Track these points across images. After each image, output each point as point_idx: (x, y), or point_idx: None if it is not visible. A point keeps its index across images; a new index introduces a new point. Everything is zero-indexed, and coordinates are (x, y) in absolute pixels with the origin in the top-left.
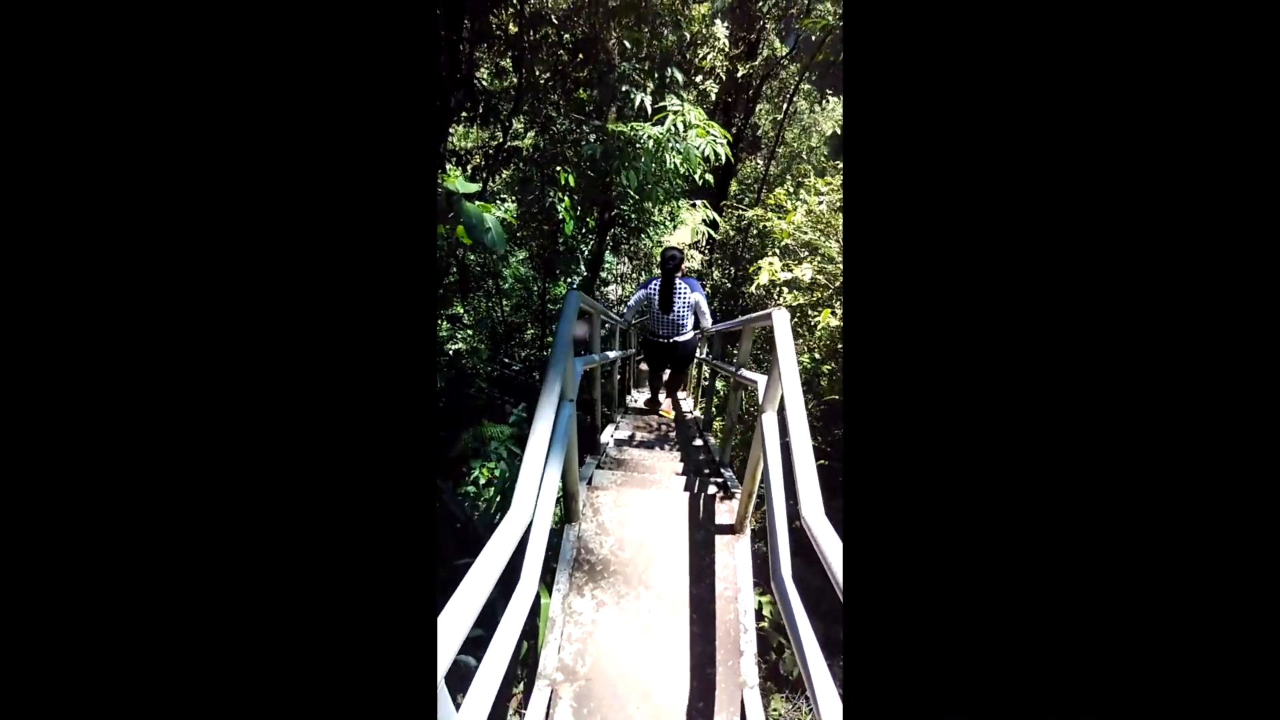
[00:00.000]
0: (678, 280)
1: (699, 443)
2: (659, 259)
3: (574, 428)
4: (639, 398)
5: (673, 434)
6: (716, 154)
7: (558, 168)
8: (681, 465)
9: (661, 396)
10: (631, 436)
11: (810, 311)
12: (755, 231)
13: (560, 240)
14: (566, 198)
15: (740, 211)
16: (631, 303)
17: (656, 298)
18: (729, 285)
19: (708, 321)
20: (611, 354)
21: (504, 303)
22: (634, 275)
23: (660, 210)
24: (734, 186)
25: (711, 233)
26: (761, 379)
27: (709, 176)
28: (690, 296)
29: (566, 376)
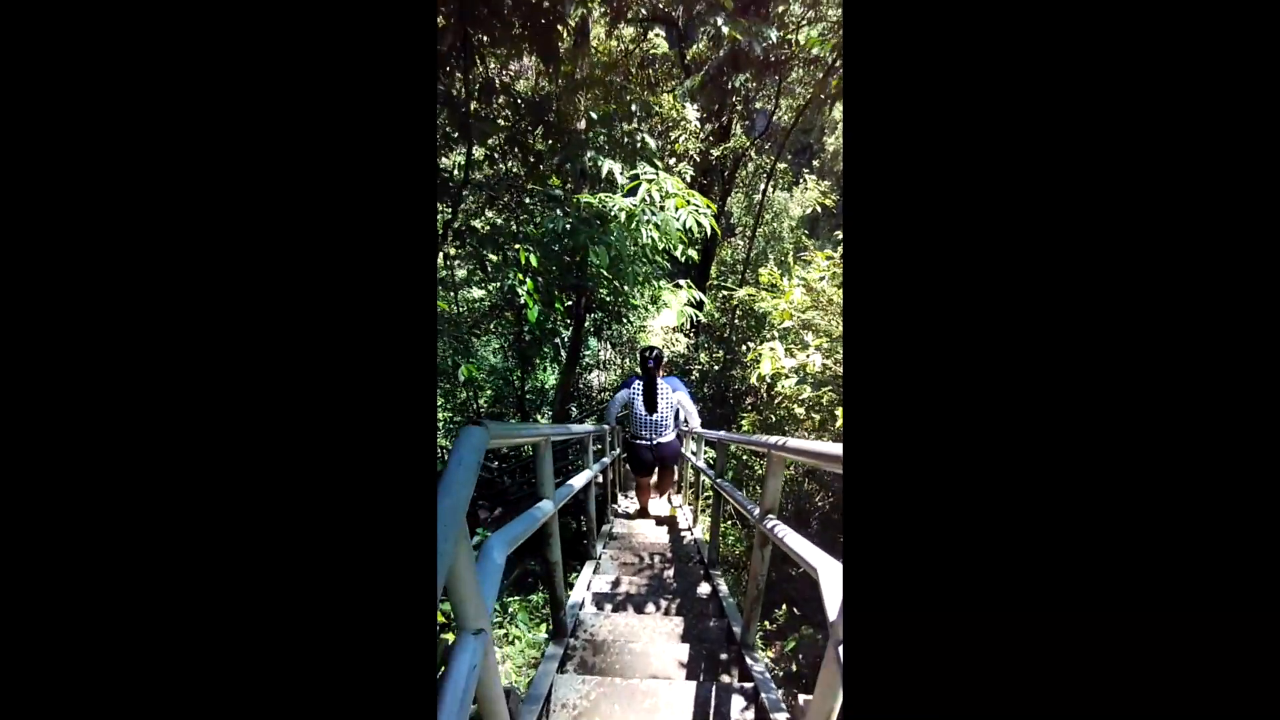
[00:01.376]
0: (659, 379)
1: (705, 590)
2: (638, 356)
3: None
4: (625, 504)
5: (669, 572)
6: (700, 225)
7: (517, 246)
8: (687, 649)
9: (651, 505)
10: (615, 584)
11: (823, 403)
12: (742, 313)
13: (526, 329)
14: (529, 280)
15: (728, 291)
16: (614, 405)
17: (639, 399)
18: (716, 369)
19: (695, 421)
20: (580, 480)
21: (479, 396)
22: (618, 361)
23: (639, 292)
24: (714, 270)
25: (696, 315)
26: (826, 565)
27: (692, 253)
28: (673, 397)
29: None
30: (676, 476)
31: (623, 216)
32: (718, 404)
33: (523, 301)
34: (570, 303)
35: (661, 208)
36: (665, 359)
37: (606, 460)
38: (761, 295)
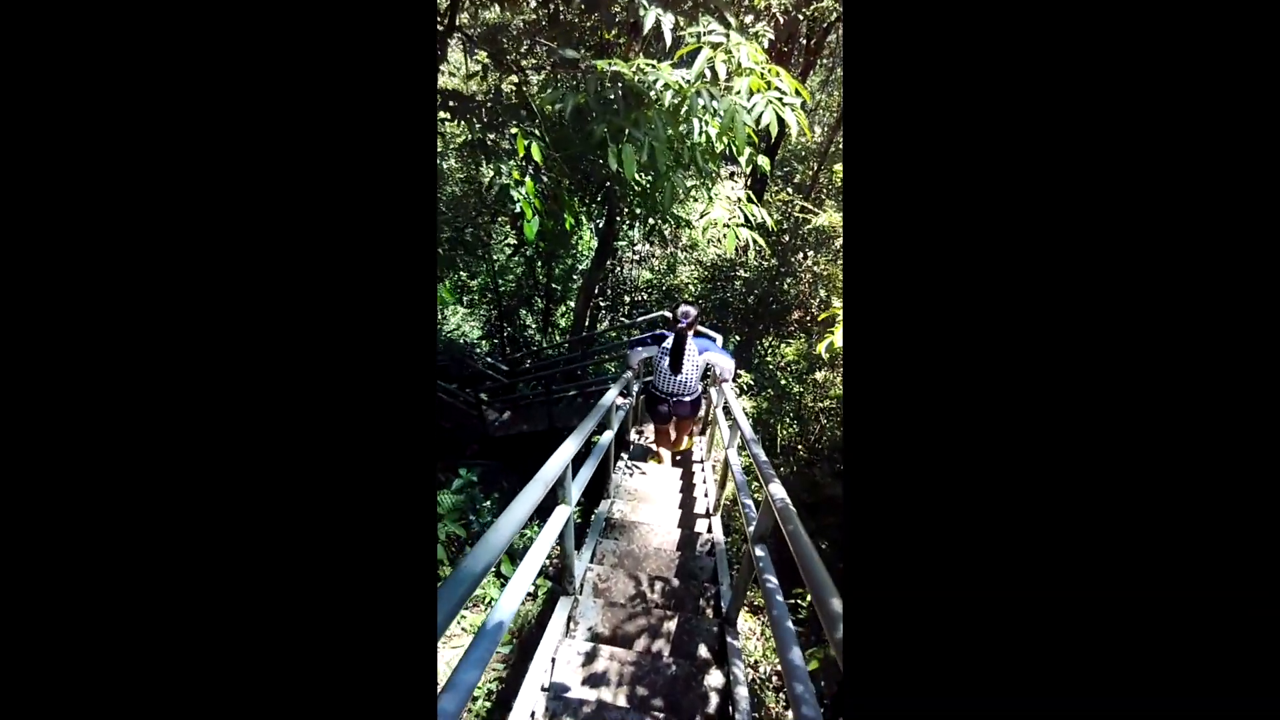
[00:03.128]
0: (689, 338)
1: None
2: (673, 315)
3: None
4: (647, 432)
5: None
6: (781, 121)
7: (513, 129)
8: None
9: (665, 457)
10: (590, 657)
11: None
12: (810, 227)
13: (524, 246)
14: (529, 179)
15: (800, 204)
16: (634, 355)
17: (666, 359)
18: (766, 282)
19: (728, 375)
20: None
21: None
22: (654, 258)
23: (681, 206)
24: (779, 155)
25: (752, 236)
26: None
27: (763, 161)
28: (700, 359)
29: None
30: (696, 425)
31: (667, 98)
32: (759, 318)
33: (518, 208)
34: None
35: (728, 88)
36: (698, 318)
37: (611, 436)
38: (814, 211)
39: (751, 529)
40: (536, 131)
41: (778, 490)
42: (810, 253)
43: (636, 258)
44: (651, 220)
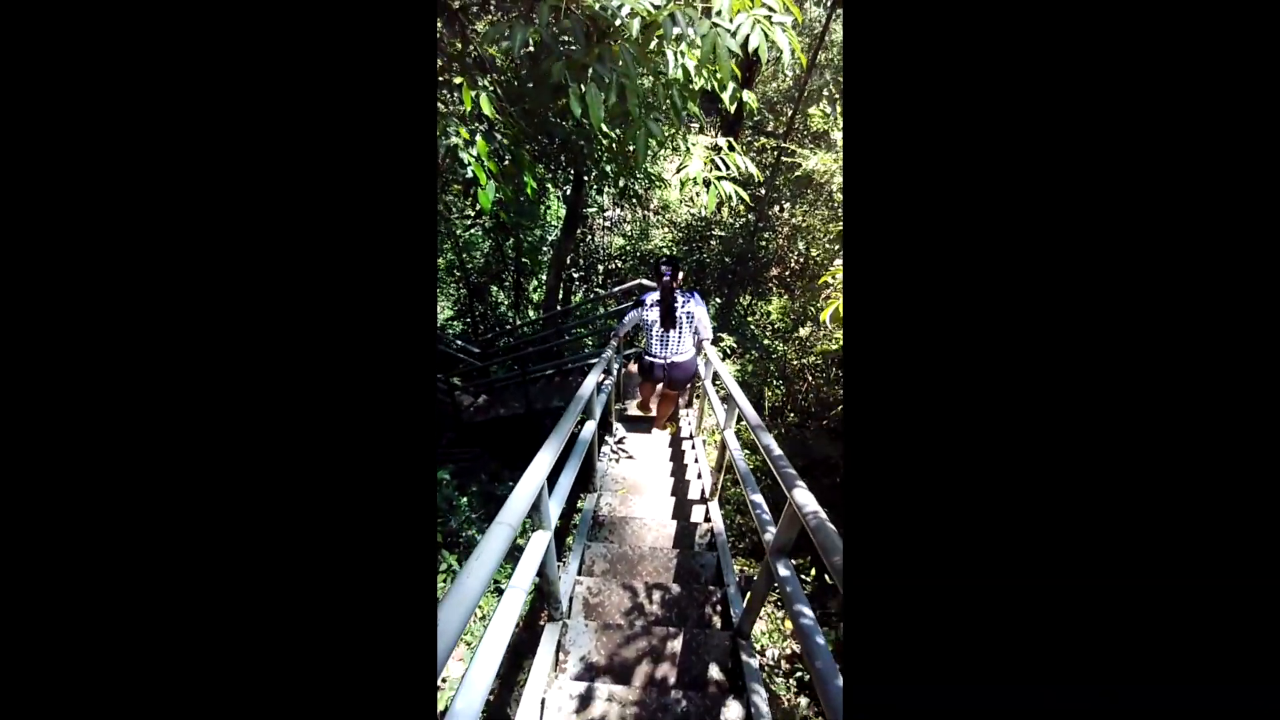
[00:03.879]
0: (676, 292)
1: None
2: (652, 268)
3: None
4: (630, 406)
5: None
6: (773, 45)
7: (458, 78)
8: None
9: (655, 431)
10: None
11: None
12: (784, 170)
13: (478, 214)
14: (479, 139)
15: (783, 148)
16: (622, 326)
17: (656, 313)
18: (743, 239)
19: (706, 333)
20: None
21: (467, 263)
22: (630, 220)
23: (655, 155)
24: (751, 104)
25: (733, 191)
26: None
27: (749, 96)
28: (691, 307)
29: None
30: (683, 395)
31: (634, 27)
32: (737, 277)
33: (470, 173)
34: (556, 164)
35: (706, 9)
36: (678, 271)
37: (594, 427)
38: (805, 154)
39: (769, 538)
40: (484, 82)
41: (807, 501)
42: (787, 205)
43: (608, 224)
44: (623, 182)
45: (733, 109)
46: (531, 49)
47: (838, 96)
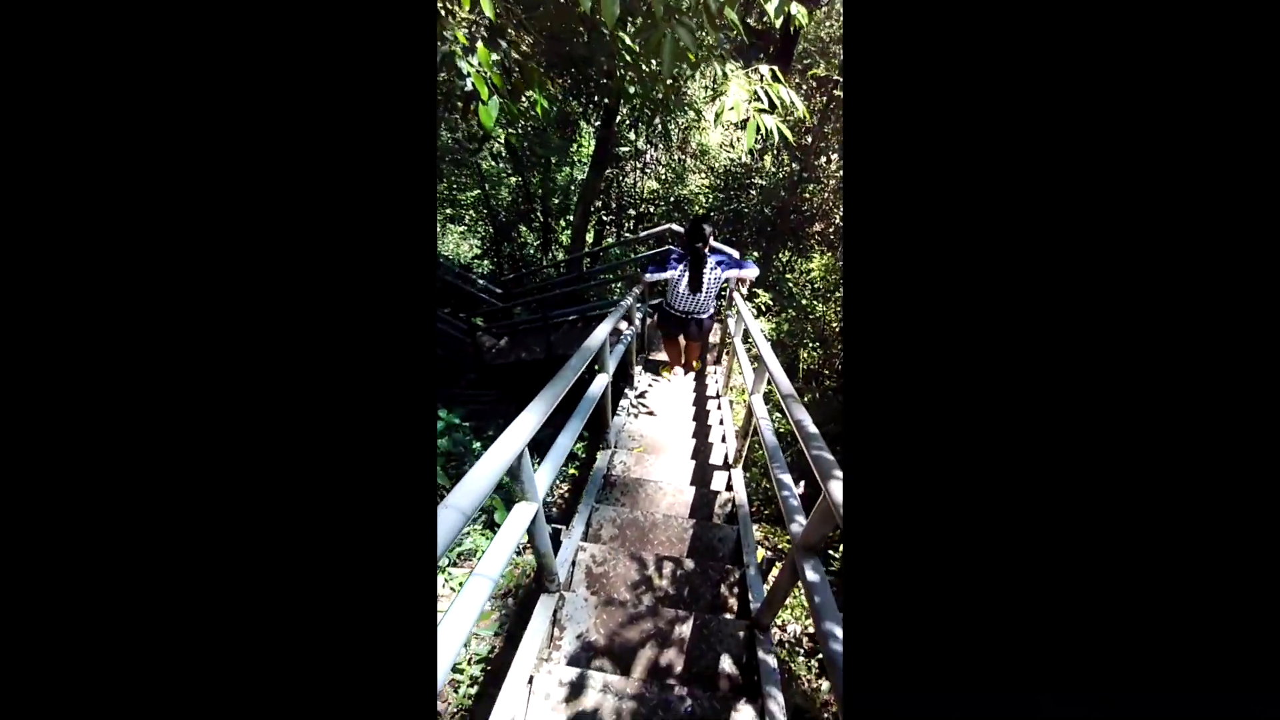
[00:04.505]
0: (708, 255)
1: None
2: (686, 231)
3: None
4: (654, 355)
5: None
6: None
7: None
8: None
9: (678, 371)
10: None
11: None
12: (835, 116)
13: (480, 137)
14: (481, 45)
15: (839, 91)
16: (649, 276)
17: (685, 279)
18: (785, 191)
19: (751, 274)
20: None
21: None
22: (665, 163)
23: (690, 83)
24: (801, 20)
25: (776, 128)
26: None
27: (798, 7)
28: (721, 274)
29: None
30: (712, 356)
31: None
32: (777, 231)
33: (470, 86)
34: (581, 94)
35: None
36: (712, 231)
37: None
38: None
39: (795, 528)
40: None
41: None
42: (834, 155)
43: (641, 165)
44: (657, 120)
45: (779, 29)
46: None
47: None
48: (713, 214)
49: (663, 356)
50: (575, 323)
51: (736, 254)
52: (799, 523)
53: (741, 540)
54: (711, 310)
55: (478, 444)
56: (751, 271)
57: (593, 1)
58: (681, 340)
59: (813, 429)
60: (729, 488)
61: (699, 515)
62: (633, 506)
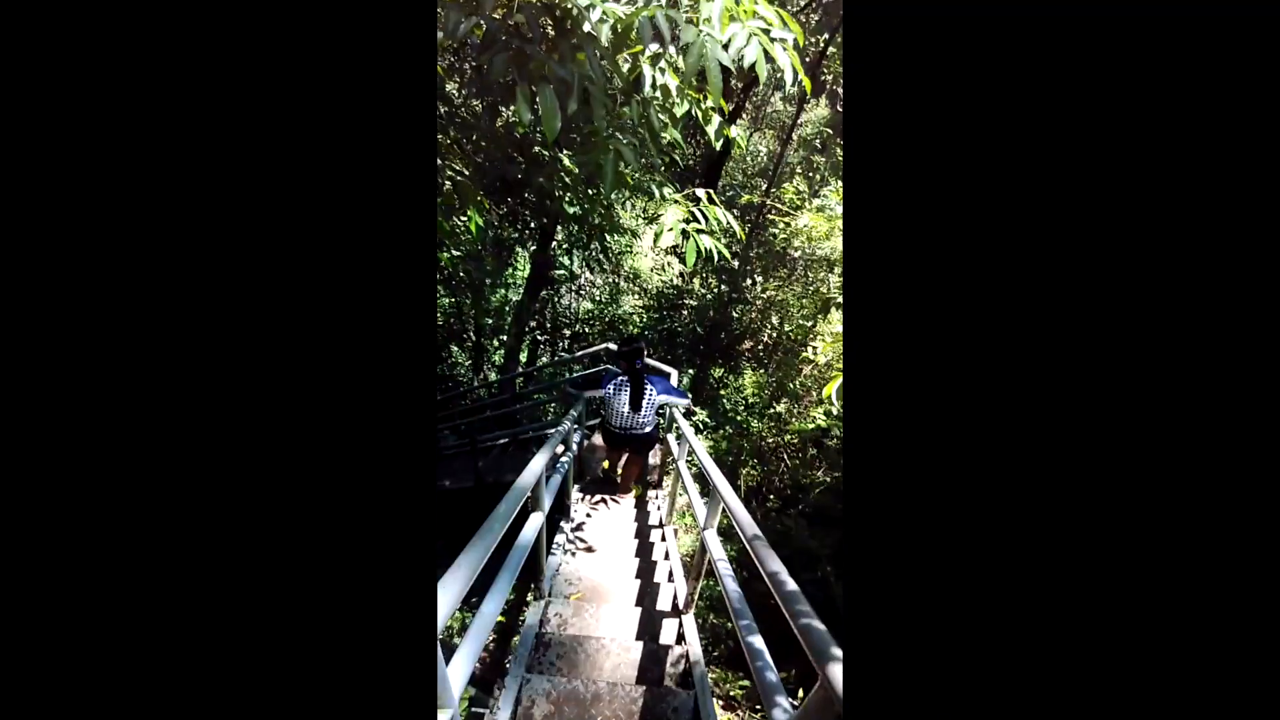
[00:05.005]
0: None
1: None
2: (618, 350)
3: None
4: (594, 466)
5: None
6: (769, 63)
7: None
8: None
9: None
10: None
11: None
12: (766, 242)
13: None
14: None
15: (774, 212)
16: (583, 400)
17: (625, 398)
18: (715, 310)
19: (683, 404)
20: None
21: None
22: (597, 284)
23: (624, 205)
24: (740, 142)
25: (716, 249)
26: None
27: (737, 132)
28: (657, 398)
29: None
30: (651, 462)
31: (605, 34)
32: (709, 349)
33: None
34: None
35: (691, 16)
36: (648, 351)
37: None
38: (799, 226)
39: (780, 715)
40: None
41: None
42: (759, 278)
43: (576, 288)
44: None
45: (718, 145)
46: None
47: (812, 173)
48: (647, 333)
49: (601, 472)
50: (506, 446)
51: (673, 373)
52: (783, 708)
53: (700, 711)
54: (651, 425)
55: None
56: (685, 401)
57: (530, 110)
58: (622, 460)
59: (792, 585)
60: (680, 639)
61: (649, 678)
62: (571, 674)
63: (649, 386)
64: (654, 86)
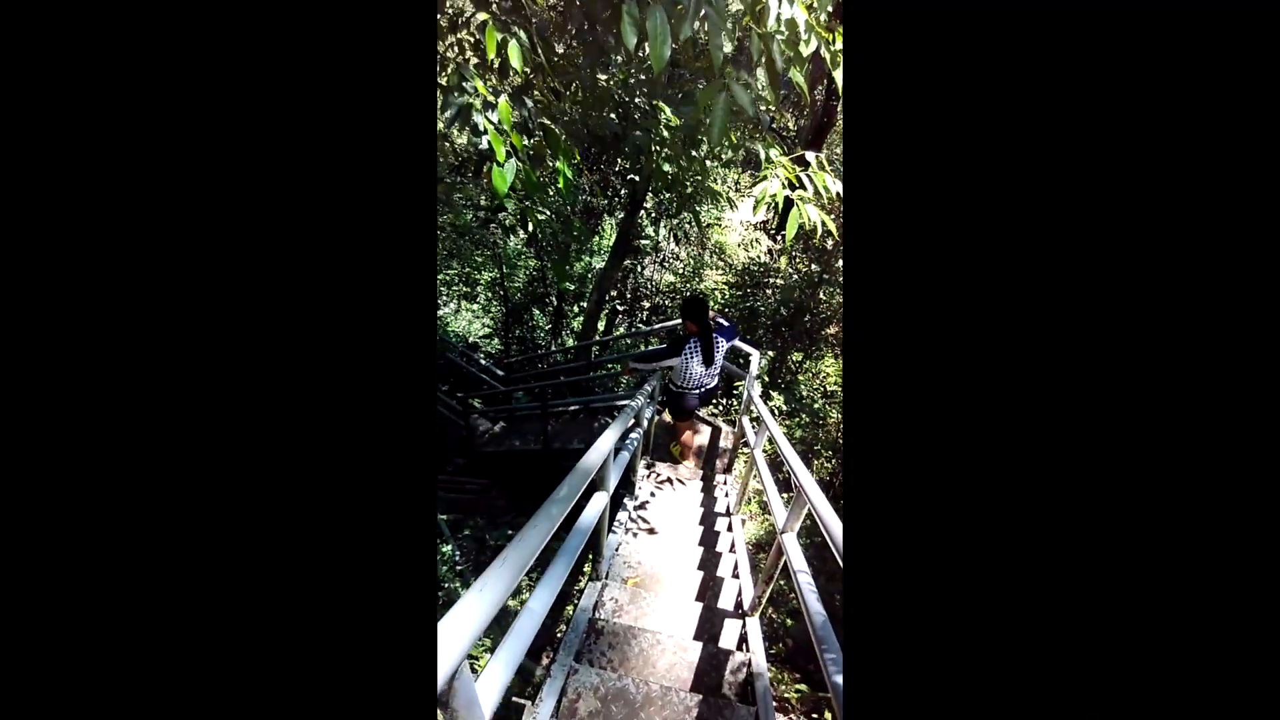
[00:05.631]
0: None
1: None
2: (683, 309)
3: None
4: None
5: None
6: None
7: (481, 16)
8: None
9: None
10: None
11: None
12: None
13: (495, 206)
14: (502, 99)
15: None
16: (660, 365)
17: (698, 357)
18: (801, 291)
19: (757, 395)
20: None
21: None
22: (678, 260)
23: (715, 169)
24: (825, 150)
25: (823, 218)
26: None
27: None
28: (722, 342)
29: None
30: (721, 463)
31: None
32: (792, 332)
33: (485, 142)
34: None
35: None
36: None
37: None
38: None
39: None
40: (516, 26)
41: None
42: None
43: (660, 259)
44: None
45: (814, 113)
46: None
47: None
48: (726, 309)
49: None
50: (577, 414)
51: (754, 354)
52: None
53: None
54: (720, 375)
55: (447, 547)
56: (734, 339)
57: (637, 34)
58: (692, 423)
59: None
60: (742, 644)
61: (706, 685)
62: (623, 669)
63: (717, 338)
64: (778, 21)
